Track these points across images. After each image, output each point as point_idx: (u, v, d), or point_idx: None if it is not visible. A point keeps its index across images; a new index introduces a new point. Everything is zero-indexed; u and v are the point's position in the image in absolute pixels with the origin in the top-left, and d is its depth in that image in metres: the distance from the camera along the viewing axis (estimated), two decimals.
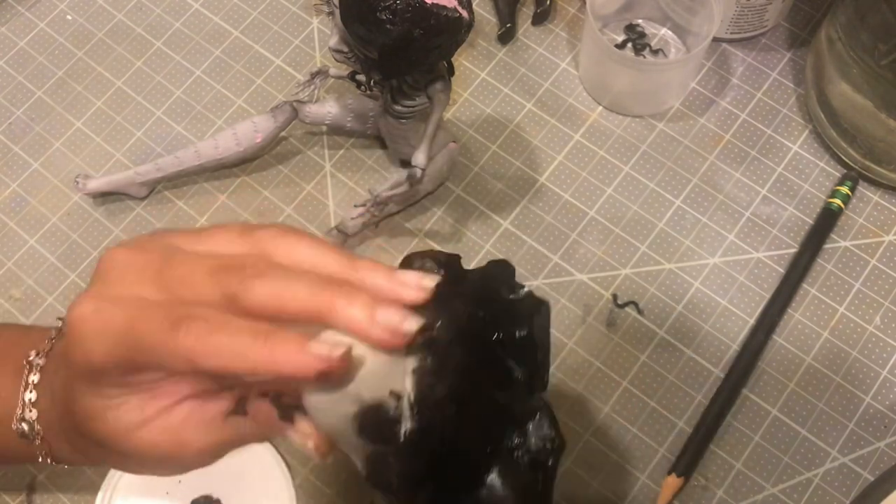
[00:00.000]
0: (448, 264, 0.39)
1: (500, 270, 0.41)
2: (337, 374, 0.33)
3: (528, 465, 0.39)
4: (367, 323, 0.33)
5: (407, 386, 0.34)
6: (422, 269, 0.40)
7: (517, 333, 0.39)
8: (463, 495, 0.37)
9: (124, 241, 0.37)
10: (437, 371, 0.35)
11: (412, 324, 0.34)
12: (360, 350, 0.34)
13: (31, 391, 0.40)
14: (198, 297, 0.34)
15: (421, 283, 0.35)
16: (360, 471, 0.35)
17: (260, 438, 0.38)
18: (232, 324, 0.33)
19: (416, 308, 0.35)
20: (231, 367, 0.33)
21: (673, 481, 0.53)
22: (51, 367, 0.40)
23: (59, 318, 0.43)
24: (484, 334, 0.38)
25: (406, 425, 0.34)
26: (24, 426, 0.40)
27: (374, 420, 0.34)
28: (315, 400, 0.34)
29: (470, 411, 0.36)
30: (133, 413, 0.35)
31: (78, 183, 0.60)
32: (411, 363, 0.34)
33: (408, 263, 0.41)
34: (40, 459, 0.41)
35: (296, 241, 0.36)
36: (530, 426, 0.39)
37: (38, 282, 0.60)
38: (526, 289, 0.42)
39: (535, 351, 0.39)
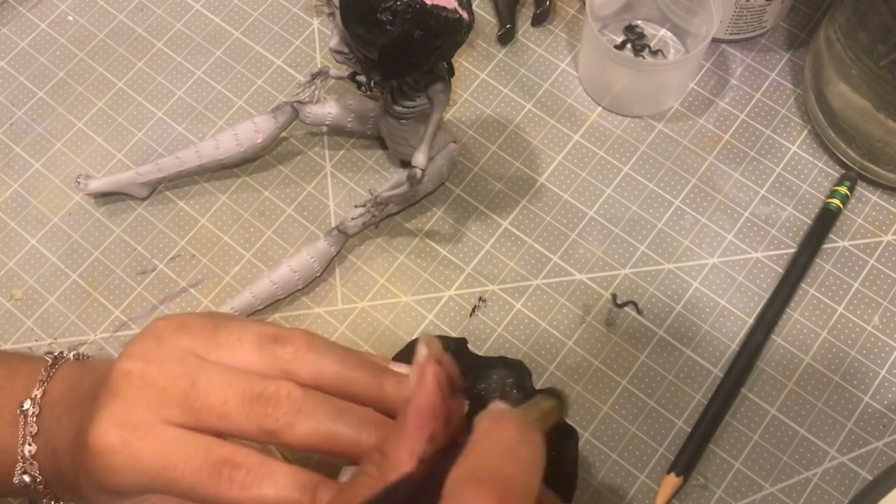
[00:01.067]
0: (456, 350, 0.39)
1: (517, 373, 0.41)
2: None
3: None
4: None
5: None
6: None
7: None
8: None
9: (132, 347, 0.35)
10: None
11: None
12: None
13: (30, 444, 0.38)
14: (233, 430, 0.33)
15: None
16: None
17: None
18: (276, 475, 0.32)
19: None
20: None
21: (672, 480, 0.54)
22: (49, 417, 0.39)
23: (48, 354, 0.42)
24: None
25: None
26: (27, 478, 0.39)
27: None
28: None
29: None
30: None
31: (79, 183, 0.61)
32: None
33: (414, 349, 0.41)
34: (44, 501, 0.40)
35: (318, 357, 0.35)
36: None
37: (40, 282, 0.60)
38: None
39: (564, 476, 0.40)
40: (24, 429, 0.39)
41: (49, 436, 0.38)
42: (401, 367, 0.37)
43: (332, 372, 0.34)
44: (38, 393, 0.39)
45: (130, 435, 0.33)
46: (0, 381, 0.41)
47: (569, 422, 0.42)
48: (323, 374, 0.34)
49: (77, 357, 0.43)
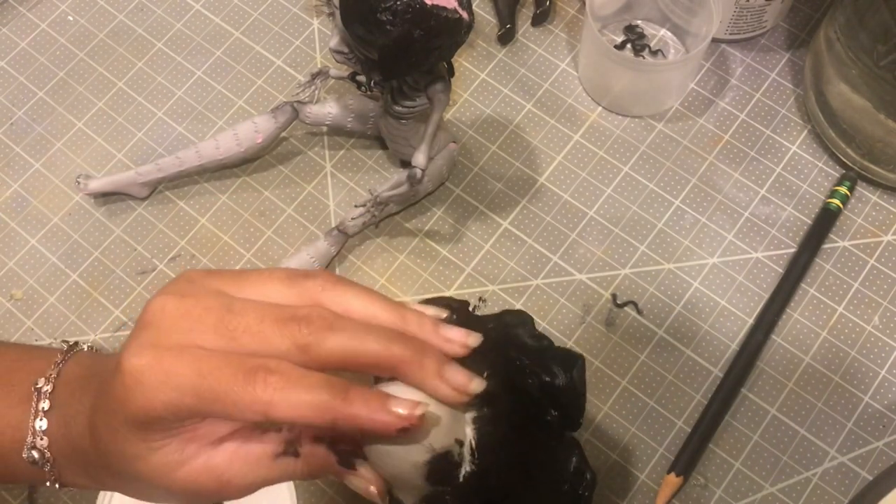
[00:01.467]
0: (459, 310, 0.40)
1: (519, 320, 0.43)
2: (415, 431, 0.34)
3: (568, 500, 0.41)
4: (437, 382, 0.35)
5: (468, 434, 0.37)
6: (434, 314, 0.41)
7: (556, 381, 0.41)
8: None
9: (165, 288, 0.36)
10: (493, 419, 0.37)
11: (477, 386, 0.36)
12: (427, 404, 0.36)
13: (41, 418, 0.39)
14: (266, 348, 0.34)
15: (466, 342, 0.37)
16: None
17: (309, 478, 0.38)
18: (309, 377, 0.33)
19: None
20: (308, 420, 0.33)
21: (672, 480, 0.54)
22: (63, 394, 0.39)
23: (65, 341, 0.43)
24: (520, 379, 0.41)
25: (465, 468, 0.37)
26: (35, 454, 0.39)
27: (442, 466, 0.36)
28: (384, 449, 0.35)
29: (516, 452, 0.39)
30: (174, 454, 0.35)
31: (79, 183, 0.61)
32: (470, 413, 0.37)
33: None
34: (48, 484, 0.40)
35: (344, 291, 0.36)
36: (567, 464, 0.42)
37: (40, 282, 0.60)
38: (547, 341, 0.44)
39: (575, 398, 0.41)
40: (36, 405, 0.39)
41: (62, 411, 0.39)
42: (424, 308, 0.39)
43: (359, 306, 0.36)
44: (52, 373, 0.40)
45: (164, 353, 0.34)
46: (15, 364, 0.42)
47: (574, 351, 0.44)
48: (349, 306, 0.36)
49: (91, 349, 0.44)
